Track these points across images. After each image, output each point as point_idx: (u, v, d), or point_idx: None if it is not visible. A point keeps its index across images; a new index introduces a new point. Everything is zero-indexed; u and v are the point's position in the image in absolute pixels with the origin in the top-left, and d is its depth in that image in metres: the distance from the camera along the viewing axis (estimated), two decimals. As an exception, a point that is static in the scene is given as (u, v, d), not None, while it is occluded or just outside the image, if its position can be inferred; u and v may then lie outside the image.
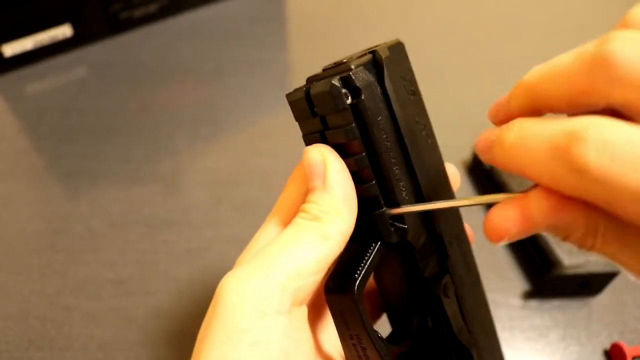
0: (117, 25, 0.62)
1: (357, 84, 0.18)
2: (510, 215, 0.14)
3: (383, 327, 0.24)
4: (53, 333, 0.35)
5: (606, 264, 0.35)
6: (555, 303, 0.36)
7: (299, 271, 0.18)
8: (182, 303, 0.37)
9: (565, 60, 0.14)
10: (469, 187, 0.44)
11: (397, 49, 0.20)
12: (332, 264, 0.19)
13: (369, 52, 0.19)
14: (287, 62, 0.60)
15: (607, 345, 0.34)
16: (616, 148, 0.12)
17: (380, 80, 0.19)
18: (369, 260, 0.19)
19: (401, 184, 0.20)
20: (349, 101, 0.18)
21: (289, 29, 0.66)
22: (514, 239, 0.15)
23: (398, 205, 0.19)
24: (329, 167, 0.19)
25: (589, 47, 0.13)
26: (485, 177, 0.44)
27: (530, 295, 0.37)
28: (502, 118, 0.17)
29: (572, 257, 0.35)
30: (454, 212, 0.23)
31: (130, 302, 0.36)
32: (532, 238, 0.37)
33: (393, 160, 0.19)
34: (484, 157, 0.16)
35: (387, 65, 0.19)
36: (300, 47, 0.62)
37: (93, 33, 0.61)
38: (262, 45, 0.62)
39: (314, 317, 0.21)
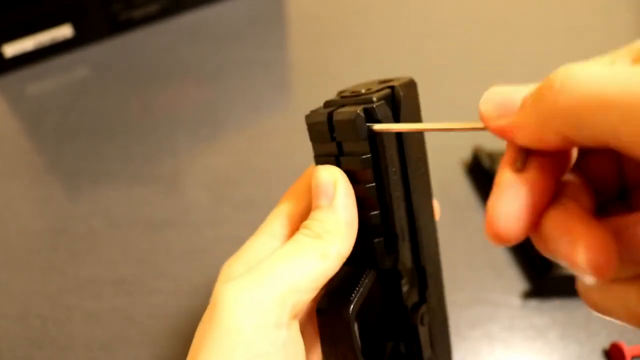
0: (117, 26, 0.62)
1: (379, 117, 0.19)
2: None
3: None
4: (54, 332, 0.35)
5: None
6: (555, 303, 0.36)
7: (296, 286, 0.18)
8: (182, 303, 0.37)
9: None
10: (468, 187, 0.45)
11: (411, 87, 0.21)
12: (325, 283, 0.19)
13: (388, 87, 0.20)
14: (287, 62, 0.60)
15: (607, 345, 0.34)
16: None
17: (396, 116, 0.20)
18: (364, 285, 0.20)
19: (399, 215, 0.20)
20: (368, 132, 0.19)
21: (289, 29, 0.66)
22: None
23: (396, 236, 0.20)
24: (339, 190, 0.19)
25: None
26: (485, 177, 0.44)
27: (530, 294, 0.37)
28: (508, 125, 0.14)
29: (571, 257, 0.35)
30: (436, 247, 0.24)
31: (130, 302, 0.37)
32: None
33: (397, 194, 0.20)
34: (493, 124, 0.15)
35: (404, 103, 0.20)
36: (300, 47, 0.62)
37: (94, 33, 0.61)
38: (262, 45, 0.62)
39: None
